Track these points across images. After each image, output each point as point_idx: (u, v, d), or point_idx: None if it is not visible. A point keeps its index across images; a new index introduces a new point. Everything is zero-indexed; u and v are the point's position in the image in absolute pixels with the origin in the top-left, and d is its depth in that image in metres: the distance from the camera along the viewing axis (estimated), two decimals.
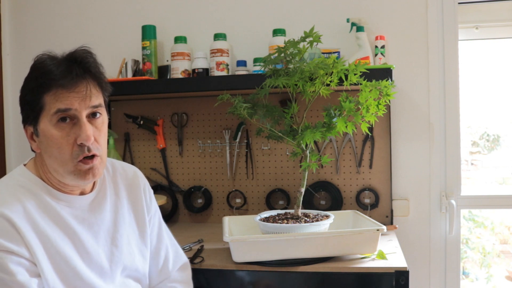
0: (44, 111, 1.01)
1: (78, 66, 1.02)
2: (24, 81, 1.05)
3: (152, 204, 1.29)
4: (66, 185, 1.08)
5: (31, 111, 1.03)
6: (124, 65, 2.00)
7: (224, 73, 1.96)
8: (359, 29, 1.90)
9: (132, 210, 1.22)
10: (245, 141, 2.06)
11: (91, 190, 1.14)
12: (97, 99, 1.05)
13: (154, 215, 1.30)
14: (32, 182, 1.06)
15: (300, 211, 1.53)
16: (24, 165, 1.11)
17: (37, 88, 1.00)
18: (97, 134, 1.05)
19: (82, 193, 1.12)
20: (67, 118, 1.01)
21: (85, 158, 1.03)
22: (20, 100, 1.06)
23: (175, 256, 1.32)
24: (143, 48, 2.03)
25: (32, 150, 1.10)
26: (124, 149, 2.15)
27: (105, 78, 1.09)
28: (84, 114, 1.02)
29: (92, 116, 1.05)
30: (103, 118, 1.08)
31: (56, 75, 1.00)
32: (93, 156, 1.04)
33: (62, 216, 1.05)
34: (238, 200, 2.08)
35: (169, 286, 1.29)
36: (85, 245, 1.07)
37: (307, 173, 1.51)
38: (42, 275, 0.99)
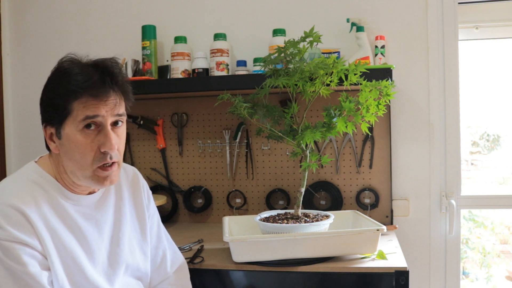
0: (71, 116, 1.03)
1: (108, 77, 1.05)
2: (50, 83, 1.06)
3: (150, 204, 1.31)
4: (79, 186, 1.10)
5: (56, 114, 1.04)
6: (124, 65, 2.00)
7: (224, 73, 1.96)
8: (359, 29, 1.90)
9: (133, 209, 1.25)
10: (245, 141, 2.06)
11: (98, 189, 1.17)
12: (121, 108, 1.09)
13: (153, 215, 1.32)
14: (44, 179, 1.08)
15: (300, 211, 1.53)
16: (35, 162, 1.13)
17: (67, 94, 1.02)
18: (118, 142, 1.08)
19: (90, 193, 1.15)
20: (92, 124, 1.03)
21: (104, 165, 1.05)
22: (44, 101, 1.06)
23: (173, 257, 1.34)
24: (143, 48, 2.03)
25: (48, 149, 1.11)
26: (124, 149, 2.15)
27: (130, 89, 1.12)
28: (109, 122, 1.05)
29: (115, 124, 1.08)
30: (124, 127, 1.11)
31: (89, 85, 1.02)
32: (112, 163, 1.07)
33: (69, 213, 1.08)
34: (238, 200, 2.08)
35: None
36: (90, 243, 1.10)
37: (307, 173, 1.51)
38: (52, 268, 1.01)
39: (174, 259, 1.34)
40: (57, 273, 1.02)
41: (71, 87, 1.01)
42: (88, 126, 1.03)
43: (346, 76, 1.45)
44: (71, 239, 1.06)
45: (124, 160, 2.20)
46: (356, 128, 1.47)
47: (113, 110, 1.05)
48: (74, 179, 1.08)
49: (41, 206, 1.03)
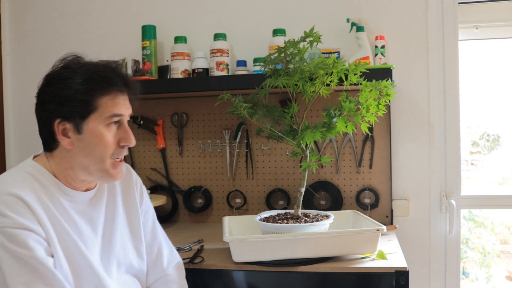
0: (96, 111, 1.07)
1: (126, 78, 1.13)
2: (69, 79, 1.06)
3: (143, 200, 1.32)
4: (82, 181, 1.12)
5: (80, 109, 1.06)
6: (124, 65, 2.00)
7: (224, 73, 1.96)
8: (359, 29, 1.90)
9: (125, 206, 1.26)
10: (245, 141, 2.06)
11: (94, 187, 1.18)
12: (131, 109, 1.18)
13: (147, 211, 1.33)
14: (41, 174, 1.09)
15: (300, 211, 1.53)
16: (32, 159, 1.14)
17: (95, 90, 1.06)
18: None
19: (86, 190, 1.16)
20: (116, 121, 1.11)
21: (117, 160, 1.13)
22: (62, 97, 1.06)
23: (169, 255, 1.34)
24: (143, 48, 2.03)
25: (45, 148, 1.12)
26: None
27: (139, 92, 1.20)
28: (127, 119, 1.15)
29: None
30: None
31: (115, 82, 1.09)
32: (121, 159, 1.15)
33: (66, 208, 1.09)
34: (238, 200, 2.08)
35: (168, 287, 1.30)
36: (85, 238, 1.11)
37: (307, 173, 1.51)
38: (55, 255, 1.03)
39: (171, 257, 1.34)
40: (60, 260, 1.03)
41: (99, 83, 1.06)
42: (112, 122, 1.09)
43: (346, 76, 1.45)
44: (69, 229, 1.07)
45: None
46: (356, 128, 1.47)
47: (129, 109, 1.15)
48: (82, 175, 1.10)
49: (40, 195, 1.05)
